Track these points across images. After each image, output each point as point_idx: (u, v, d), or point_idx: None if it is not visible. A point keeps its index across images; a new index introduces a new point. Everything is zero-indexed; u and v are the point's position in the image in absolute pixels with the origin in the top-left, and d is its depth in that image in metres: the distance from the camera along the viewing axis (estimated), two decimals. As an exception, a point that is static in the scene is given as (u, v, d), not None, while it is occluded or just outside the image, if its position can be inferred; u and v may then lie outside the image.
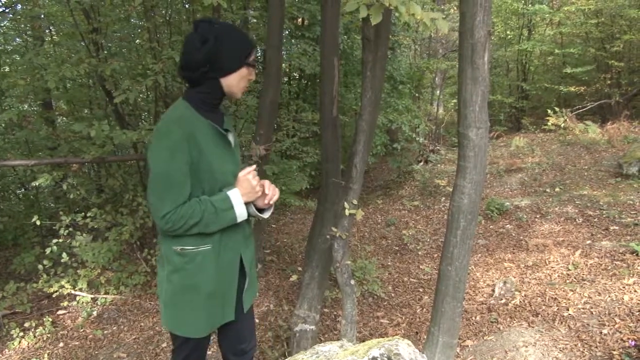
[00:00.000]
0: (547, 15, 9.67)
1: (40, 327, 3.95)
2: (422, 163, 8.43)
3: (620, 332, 2.90)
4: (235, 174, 1.62)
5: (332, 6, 3.35)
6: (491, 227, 5.40)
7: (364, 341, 1.62)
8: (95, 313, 4.24)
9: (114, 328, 4.02)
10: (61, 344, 3.83)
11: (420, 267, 4.86)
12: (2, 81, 4.93)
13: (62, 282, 4.22)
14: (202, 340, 1.69)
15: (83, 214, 4.24)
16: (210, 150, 1.52)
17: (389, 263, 5.05)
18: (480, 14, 2.03)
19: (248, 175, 1.58)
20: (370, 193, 7.96)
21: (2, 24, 6.21)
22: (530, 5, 9.72)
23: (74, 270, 4.31)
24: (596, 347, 2.83)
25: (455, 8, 9.26)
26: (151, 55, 4.56)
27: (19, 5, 5.72)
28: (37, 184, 4.28)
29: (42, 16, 5.52)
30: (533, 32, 10.87)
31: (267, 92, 3.98)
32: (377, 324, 3.88)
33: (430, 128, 8.41)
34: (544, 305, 3.48)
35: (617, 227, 4.58)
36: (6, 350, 3.76)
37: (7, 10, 5.80)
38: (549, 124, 7.92)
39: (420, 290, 4.37)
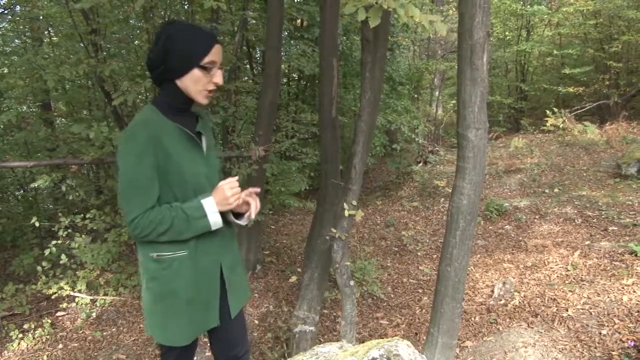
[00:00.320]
0: (545, 16, 9.69)
1: (40, 329, 3.94)
2: (421, 164, 8.43)
3: (620, 333, 2.90)
4: (208, 177, 1.58)
5: (331, 7, 3.36)
6: (490, 227, 5.40)
7: (363, 342, 1.62)
8: (94, 314, 4.24)
9: (113, 329, 4.02)
10: (60, 346, 3.82)
11: (420, 268, 4.86)
12: (1, 82, 4.92)
13: (61, 284, 4.22)
14: (187, 347, 1.66)
15: (82, 215, 4.23)
16: (179, 152, 1.49)
17: (389, 264, 5.05)
18: (479, 15, 2.03)
19: (225, 185, 1.54)
20: (369, 194, 7.96)
21: (1, 26, 6.21)
22: (528, 6, 9.73)
23: (73, 271, 4.31)
24: (595, 348, 2.83)
25: (454, 9, 9.28)
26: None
27: (18, 6, 5.73)
28: (36, 185, 4.27)
29: (41, 17, 5.52)
30: (532, 33, 10.87)
31: (266, 93, 3.99)
32: (377, 325, 3.88)
33: (429, 129, 8.40)
34: (543, 305, 3.48)
35: (616, 228, 4.58)
36: (5, 351, 3.75)
37: (6, 12, 5.81)
38: (548, 124, 7.92)
39: (420, 291, 4.38)
